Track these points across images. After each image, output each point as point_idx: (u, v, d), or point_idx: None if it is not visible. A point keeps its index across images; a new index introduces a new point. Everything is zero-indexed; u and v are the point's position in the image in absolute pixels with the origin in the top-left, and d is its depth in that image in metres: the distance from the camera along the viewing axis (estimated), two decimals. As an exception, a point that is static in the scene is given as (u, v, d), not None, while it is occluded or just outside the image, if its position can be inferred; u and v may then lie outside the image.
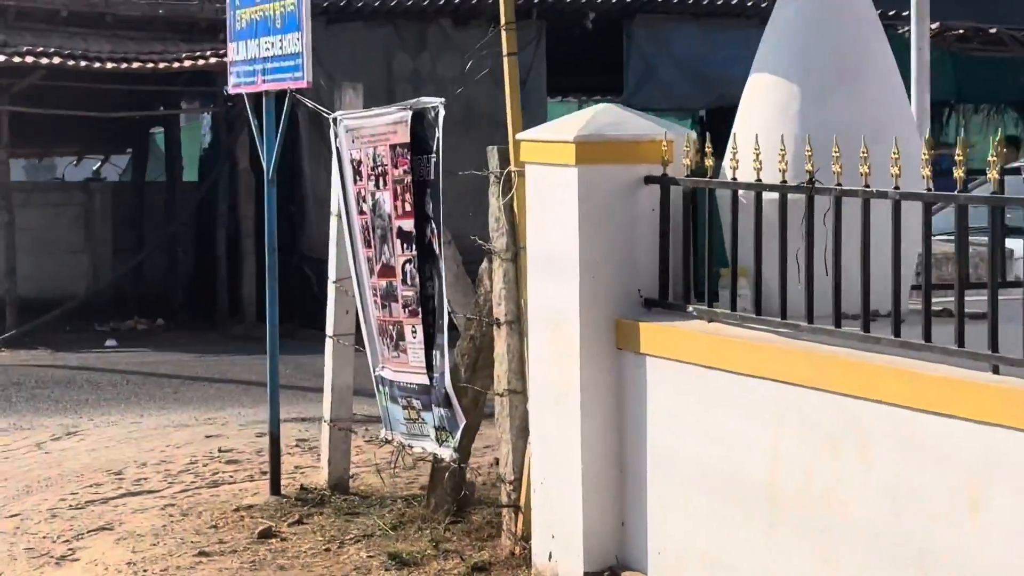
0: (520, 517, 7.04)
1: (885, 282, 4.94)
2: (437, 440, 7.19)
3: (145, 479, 10.30)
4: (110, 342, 15.02)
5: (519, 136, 6.78)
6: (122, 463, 10.95)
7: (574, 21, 16.77)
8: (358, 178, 7.55)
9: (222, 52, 12.25)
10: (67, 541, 8.72)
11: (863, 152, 4.70)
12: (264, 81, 8.14)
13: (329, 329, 8.68)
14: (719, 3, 17.50)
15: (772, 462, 5.49)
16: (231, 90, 8.99)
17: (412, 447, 7.46)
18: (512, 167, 6.78)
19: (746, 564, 5.61)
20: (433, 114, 7.17)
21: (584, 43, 17.08)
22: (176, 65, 14.00)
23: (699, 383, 5.71)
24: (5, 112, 14.61)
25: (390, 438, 7.74)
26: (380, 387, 7.81)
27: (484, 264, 7.47)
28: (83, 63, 14.04)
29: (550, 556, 6.65)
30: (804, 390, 5.16)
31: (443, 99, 6.96)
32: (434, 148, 6.98)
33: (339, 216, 8.42)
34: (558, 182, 6.44)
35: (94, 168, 21.57)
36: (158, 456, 11.09)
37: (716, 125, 14.93)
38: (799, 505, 5.38)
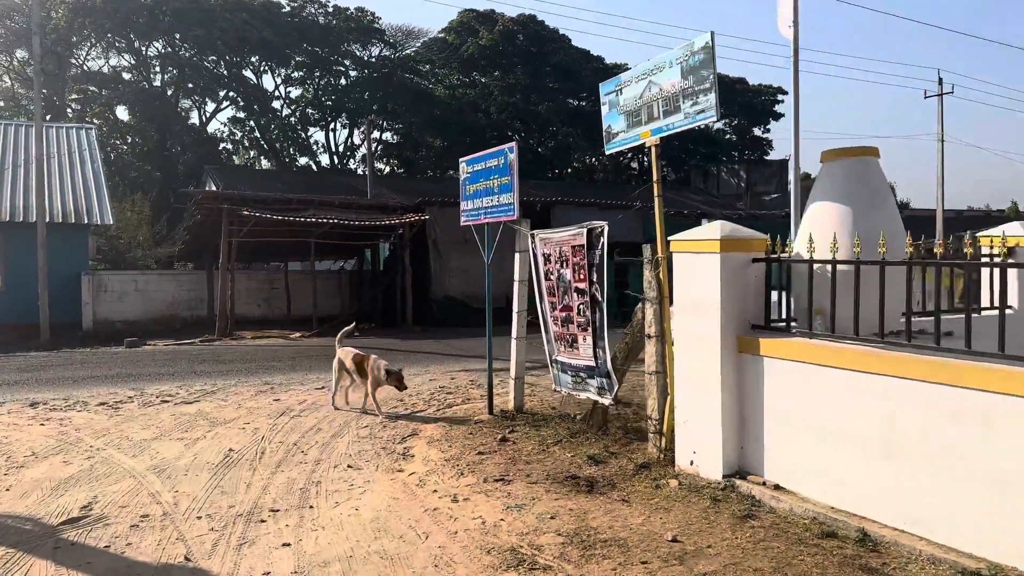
0: (662, 439, 6.80)
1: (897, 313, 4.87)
2: (598, 393, 7.67)
3: (416, 403, 10.42)
4: (355, 334, 20.75)
5: (671, 238, 6.69)
6: (401, 394, 10.87)
7: (530, 208, 27.71)
8: (546, 262, 8.47)
9: (394, 220, 24.36)
10: (401, 442, 8.12)
11: (882, 244, 4.90)
12: (486, 217, 9.36)
13: (514, 333, 9.63)
14: (599, 200, 30.76)
15: (885, 422, 4.98)
16: (463, 223, 9.93)
17: (578, 395, 8.18)
18: (660, 255, 6.92)
19: (848, 477, 5.21)
20: (600, 230, 7.43)
21: (533, 213, 26.90)
22: (380, 224, 24.81)
23: (804, 373, 5.55)
24: (313, 242, 24.63)
25: (559, 390, 8.68)
26: (554, 366, 8.53)
27: (639, 305, 7.47)
28: (345, 222, 23.92)
29: (691, 463, 6.36)
30: (907, 380, 4.85)
31: (607, 223, 7.44)
32: (599, 247, 7.42)
33: (520, 281, 9.30)
34: (703, 261, 6.20)
35: (341, 265, 34.72)
36: (414, 390, 11.45)
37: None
38: (901, 444, 4.79)
